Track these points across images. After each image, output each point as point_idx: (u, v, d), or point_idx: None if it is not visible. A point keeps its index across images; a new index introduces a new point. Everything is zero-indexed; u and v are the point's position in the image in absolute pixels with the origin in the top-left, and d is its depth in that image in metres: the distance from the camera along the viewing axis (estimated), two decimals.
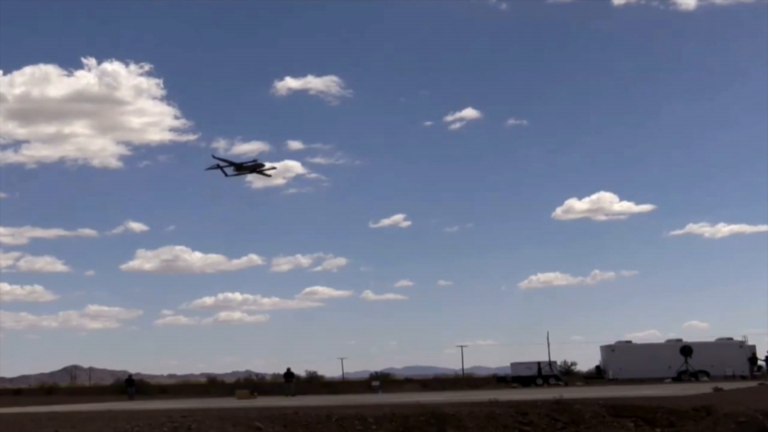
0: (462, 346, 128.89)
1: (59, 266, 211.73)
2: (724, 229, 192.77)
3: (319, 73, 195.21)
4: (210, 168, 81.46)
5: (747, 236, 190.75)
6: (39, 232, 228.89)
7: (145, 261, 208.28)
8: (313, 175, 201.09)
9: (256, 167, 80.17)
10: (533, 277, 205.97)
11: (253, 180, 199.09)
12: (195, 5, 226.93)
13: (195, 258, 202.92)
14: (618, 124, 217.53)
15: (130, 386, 74.03)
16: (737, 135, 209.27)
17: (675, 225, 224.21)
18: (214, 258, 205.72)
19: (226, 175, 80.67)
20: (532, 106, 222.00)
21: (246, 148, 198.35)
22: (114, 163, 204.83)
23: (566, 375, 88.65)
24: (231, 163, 79.33)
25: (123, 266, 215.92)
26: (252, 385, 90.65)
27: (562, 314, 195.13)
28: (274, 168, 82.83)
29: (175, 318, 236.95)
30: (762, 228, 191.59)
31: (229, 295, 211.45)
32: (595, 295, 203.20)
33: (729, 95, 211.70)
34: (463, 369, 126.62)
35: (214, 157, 79.87)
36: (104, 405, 49.01)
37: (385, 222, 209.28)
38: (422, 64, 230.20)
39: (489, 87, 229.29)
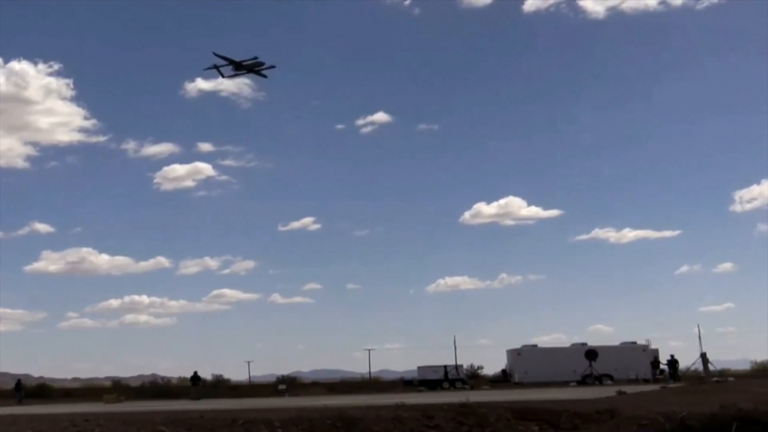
0: (369, 350, 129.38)
1: None
2: (629, 234, 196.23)
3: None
4: (207, 68, 79.00)
5: (651, 242, 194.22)
6: None
7: (50, 263, 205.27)
8: (224, 177, 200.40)
9: (255, 65, 77.84)
10: (441, 281, 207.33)
11: (162, 182, 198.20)
12: (106, 5, 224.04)
13: (101, 260, 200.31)
14: (527, 130, 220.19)
15: (18, 390, 72.88)
16: (643, 142, 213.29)
17: (581, 230, 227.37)
18: (121, 260, 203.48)
19: (223, 76, 78.41)
20: (443, 110, 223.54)
21: (156, 150, 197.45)
22: (21, 163, 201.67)
23: (472, 378, 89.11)
24: (230, 62, 76.87)
25: (27, 268, 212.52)
26: (158, 388, 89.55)
27: (469, 318, 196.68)
28: (273, 67, 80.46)
29: (81, 321, 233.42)
30: (666, 234, 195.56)
31: (136, 297, 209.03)
32: (502, 299, 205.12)
33: (636, 103, 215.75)
34: (370, 372, 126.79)
35: (214, 54, 77.05)
36: (3, 409, 47.95)
37: (295, 225, 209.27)
38: (335, 68, 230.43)
39: (401, 91, 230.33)
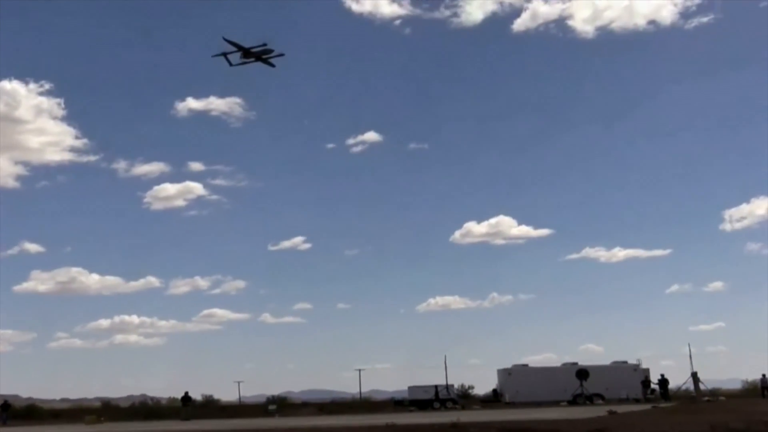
0: (360, 370, 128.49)
1: None
2: (619, 253, 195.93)
3: (221, 95, 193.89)
4: (215, 55, 77.99)
5: (642, 260, 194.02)
6: None
7: (39, 282, 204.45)
8: (214, 197, 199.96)
9: (264, 53, 76.77)
10: (432, 300, 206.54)
11: (153, 201, 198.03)
12: (96, 25, 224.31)
13: (91, 280, 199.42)
14: (517, 149, 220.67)
15: (5, 411, 72.57)
16: (633, 161, 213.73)
17: (572, 249, 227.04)
18: (111, 280, 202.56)
19: (231, 64, 77.32)
20: (433, 130, 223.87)
21: (146, 169, 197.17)
22: (11, 183, 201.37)
23: (463, 398, 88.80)
24: (240, 48, 75.79)
25: (17, 287, 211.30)
26: (148, 409, 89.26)
27: (459, 337, 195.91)
28: (282, 55, 79.31)
29: (70, 341, 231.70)
30: (656, 253, 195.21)
31: (126, 317, 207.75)
32: (492, 318, 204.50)
33: (626, 122, 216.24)
34: (360, 392, 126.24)
35: (224, 39, 75.83)
36: None
37: (286, 244, 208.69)
38: (325, 87, 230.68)
39: (391, 111, 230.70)
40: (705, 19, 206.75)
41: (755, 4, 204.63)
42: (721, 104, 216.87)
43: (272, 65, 78.52)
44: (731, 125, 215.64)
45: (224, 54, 76.35)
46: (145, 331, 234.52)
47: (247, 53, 75.81)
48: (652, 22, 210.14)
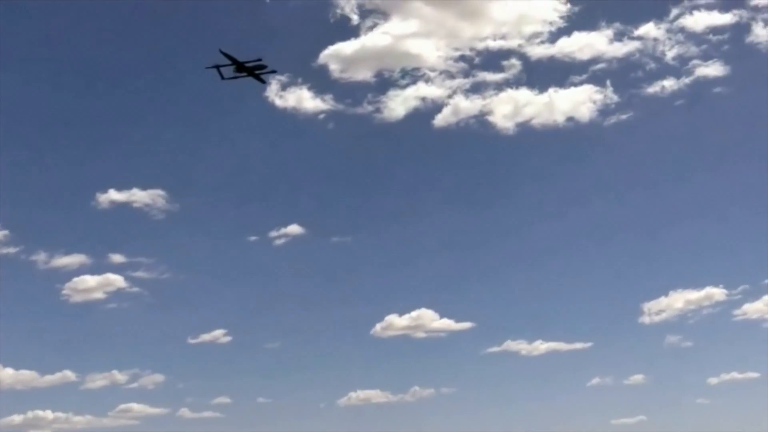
0: None
1: None
2: (541, 346, 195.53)
3: (144, 186, 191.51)
4: (208, 67, 76.37)
5: (563, 353, 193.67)
6: None
7: None
8: (135, 289, 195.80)
9: (257, 68, 75.13)
10: (353, 394, 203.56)
11: (72, 294, 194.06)
12: (15, 115, 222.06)
13: (5, 374, 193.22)
14: (439, 243, 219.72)
15: None
16: (553, 256, 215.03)
17: (493, 342, 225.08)
18: (26, 374, 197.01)
19: (222, 77, 75.57)
20: (356, 223, 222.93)
21: (67, 261, 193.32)
22: None
23: None
24: (234, 61, 74.16)
25: None
26: None
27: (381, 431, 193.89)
28: (274, 72, 77.76)
29: None
30: (577, 346, 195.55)
31: (40, 413, 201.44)
32: (414, 412, 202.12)
33: (545, 216, 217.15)
34: None
35: (221, 52, 74.02)
36: None
37: (206, 337, 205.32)
38: (248, 180, 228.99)
39: (314, 204, 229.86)
40: (624, 116, 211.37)
41: (671, 102, 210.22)
42: (638, 199, 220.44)
43: (263, 81, 78.58)
44: (647, 219, 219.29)
45: (217, 66, 76.03)
46: (59, 426, 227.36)
47: (240, 67, 75.54)
48: (571, 119, 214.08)
